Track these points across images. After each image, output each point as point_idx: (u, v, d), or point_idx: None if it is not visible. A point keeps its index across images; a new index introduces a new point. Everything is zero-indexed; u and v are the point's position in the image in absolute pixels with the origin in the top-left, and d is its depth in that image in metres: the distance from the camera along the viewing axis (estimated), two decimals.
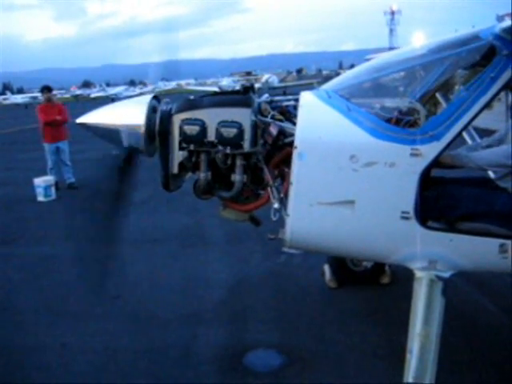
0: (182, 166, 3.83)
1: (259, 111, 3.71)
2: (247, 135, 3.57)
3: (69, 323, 5.45)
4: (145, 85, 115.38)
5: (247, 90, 3.84)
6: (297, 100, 3.77)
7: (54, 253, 7.70)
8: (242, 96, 3.78)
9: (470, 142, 4.86)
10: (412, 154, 3.27)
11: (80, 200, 11.24)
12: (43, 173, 11.91)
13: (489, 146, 4.06)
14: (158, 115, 3.80)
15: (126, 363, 4.66)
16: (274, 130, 3.61)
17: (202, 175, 3.76)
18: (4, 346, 5.06)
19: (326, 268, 5.97)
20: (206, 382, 4.35)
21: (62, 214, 10.18)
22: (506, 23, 3.34)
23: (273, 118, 3.71)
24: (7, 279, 6.82)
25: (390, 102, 3.81)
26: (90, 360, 4.74)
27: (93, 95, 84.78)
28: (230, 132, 3.56)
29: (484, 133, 4.94)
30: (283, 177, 3.77)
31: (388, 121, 3.53)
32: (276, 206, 3.66)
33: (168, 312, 5.58)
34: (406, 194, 3.31)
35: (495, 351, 4.55)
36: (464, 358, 4.42)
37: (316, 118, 3.58)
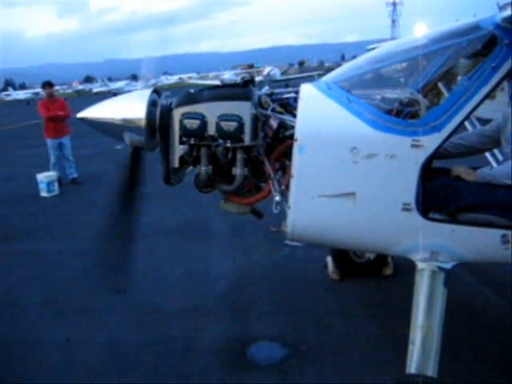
0: (183, 159, 3.83)
1: (259, 104, 3.71)
2: (247, 128, 3.57)
3: (73, 318, 5.47)
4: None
5: (247, 83, 3.83)
6: (297, 92, 3.77)
7: (58, 248, 7.72)
8: (241, 89, 3.77)
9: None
10: (413, 146, 3.26)
11: (83, 195, 11.30)
12: (46, 168, 11.93)
13: (482, 135, 4.04)
14: (158, 109, 3.80)
15: (129, 357, 4.68)
16: (274, 123, 3.61)
17: (203, 169, 3.77)
18: (9, 341, 5.08)
19: (329, 260, 5.98)
20: (209, 374, 4.36)
21: (65, 209, 10.23)
22: (507, 13, 3.32)
23: (273, 110, 3.70)
24: (11, 275, 6.84)
25: (390, 93, 3.80)
26: (94, 354, 4.76)
27: (95, 90, 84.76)
28: (231, 125, 3.55)
29: (486, 123, 4.92)
30: (284, 169, 3.78)
31: (389, 112, 3.52)
32: (277, 198, 3.67)
33: (171, 305, 5.60)
34: (407, 186, 3.30)
35: (498, 341, 4.55)
36: (467, 349, 4.43)
37: (316, 110, 3.58)
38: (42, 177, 11.30)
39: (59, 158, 12.13)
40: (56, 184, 11.44)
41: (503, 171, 3.58)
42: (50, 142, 12.00)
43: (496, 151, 4.52)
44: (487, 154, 4.60)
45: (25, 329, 5.30)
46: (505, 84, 4.19)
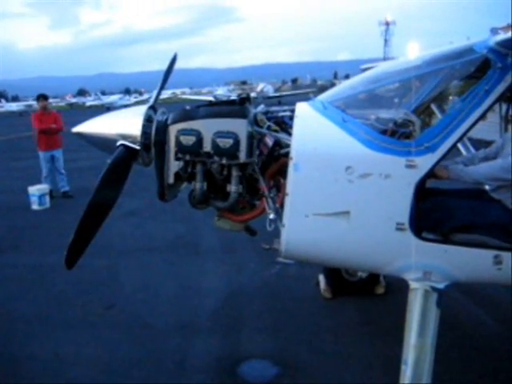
0: (178, 176, 3.83)
1: (255, 122, 3.73)
2: (243, 146, 3.58)
3: (62, 333, 5.42)
4: (140, 93, 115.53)
5: (243, 100, 3.85)
6: (292, 111, 3.79)
7: (48, 262, 7.63)
8: (237, 107, 3.79)
9: (464, 152, 4.89)
10: (407, 166, 3.28)
11: (74, 208, 11.22)
12: (38, 181, 11.87)
13: (485, 158, 4.08)
14: (154, 125, 3.81)
15: (119, 373, 4.63)
16: (269, 141, 3.63)
17: (198, 185, 3.77)
18: None
19: (321, 278, 5.98)
20: None
21: (56, 222, 10.15)
22: (500, 36, 3.37)
23: (269, 128, 3.73)
24: (0, 288, 6.77)
25: (385, 114, 3.83)
26: (83, 370, 4.71)
27: (88, 104, 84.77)
28: (226, 143, 3.57)
29: (478, 143, 4.97)
30: (279, 187, 3.79)
31: (383, 132, 3.55)
32: (271, 216, 3.67)
33: (162, 322, 5.56)
34: (401, 206, 3.32)
35: (490, 361, 4.55)
36: (459, 369, 4.42)
37: (312, 129, 3.60)
38: (34, 190, 11.24)
39: (51, 171, 12.09)
40: (47, 197, 11.38)
41: (481, 171, 3.64)
42: (42, 154, 11.97)
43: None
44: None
45: (14, 343, 5.23)
46: (495, 105, 4.25)
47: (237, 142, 3.57)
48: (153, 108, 4.01)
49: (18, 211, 11.12)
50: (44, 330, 5.50)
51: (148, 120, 3.86)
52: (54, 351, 5.04)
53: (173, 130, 3.73)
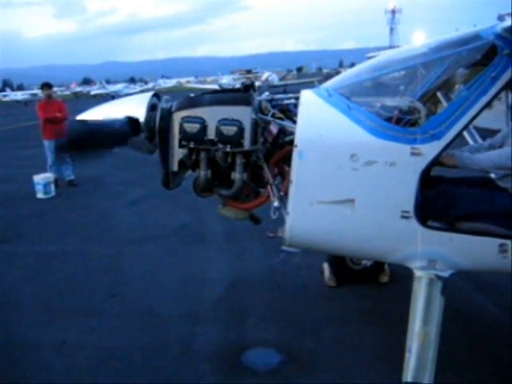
0: (182, 163, 3.83)
1: (260, 109, 3.71)
2: (247, 133, 3.57)
3: (68, 320, 5.44)
4: (145, 82, 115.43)
5: (248, 88, 3.84)
6: (297, 98, 3.77)
7: (54, 250, 7.69)
8: (242, 94, 3.78)
9: (470, 141, 4.86)
10: (412, 154, 3.27)
11: (79, 197, 11.28)
12: (43, 170, 11.89)
13: (491, 147, 4.05)
14: (158, 113, 3.80)
15: (125, 360, 4.66)
16: (274, 129, 3.61)
17: (202, 173, 3.77)
18: (3, 344, 5.05)
19: (326, 266, 5.97)
20: (204, 380, 4.34)
21: (62, 211, 10.20)
22: (508, 23, 3.33)
23: (273, 116, 3.71)
24: (6, 276, 6.81)
25: (390, 101, 3.81)
26: (89, 357, 4.74)
27: (93, 92, 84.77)
28: (230, 130, 3.56)
29: (484, 132, 4.94)
30: (283, 175, 3.78)
31: (388, 120, 3.52)
32: (276, 204, 3.66)
33: (167, 309, 5.58)
34: (406, 194, 3.31)
35: (494, 350, 4.55)
36: (463, 358, 4.42)
37: (316, 116, 3.58)
38: (39, 178, 11.27)
39: (56, 160, 12.09)
40: (53, 186, 11.41)
41: (489, 159, 3.63)
42: (47, 143, 11.96)
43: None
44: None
45: (20, 330, 5.27)
46: (502, 94, 4.22)
47: (241, 130, 3.56)
48: (156, 96, 4.00)
49: (24, 200, 11.16)
50: (50, 318, 5.52)
51: (152, 108, 3.85)
52: (60, 338, 5.06)
53: (177, 117, 3.72)
